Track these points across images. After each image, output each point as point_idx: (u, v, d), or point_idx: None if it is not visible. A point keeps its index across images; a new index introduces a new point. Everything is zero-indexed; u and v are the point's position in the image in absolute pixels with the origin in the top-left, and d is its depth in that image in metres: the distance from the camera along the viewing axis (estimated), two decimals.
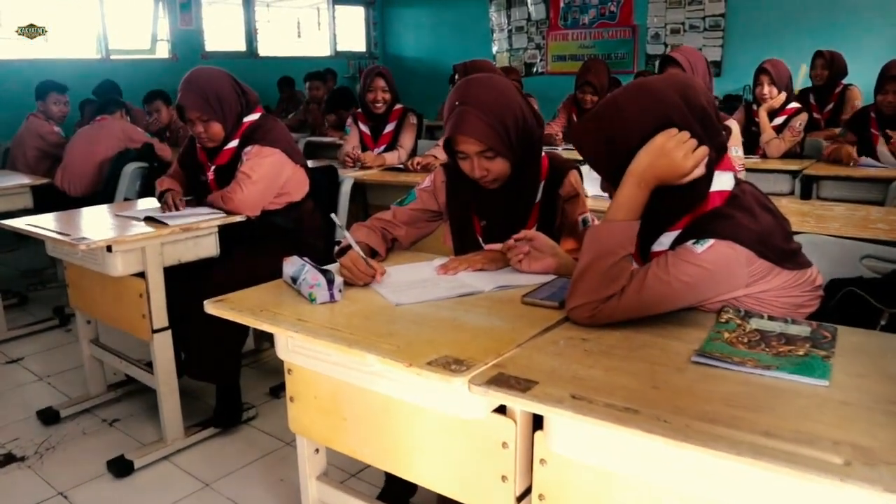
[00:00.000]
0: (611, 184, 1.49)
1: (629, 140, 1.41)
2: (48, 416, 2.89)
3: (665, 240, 1.47)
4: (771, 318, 1.41)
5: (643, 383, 1.12)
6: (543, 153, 1.89)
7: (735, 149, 2.96)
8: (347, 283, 1.66)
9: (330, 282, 1.54)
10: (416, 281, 1.69)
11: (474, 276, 1.72)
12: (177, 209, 2.68)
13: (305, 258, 1.68)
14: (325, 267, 1.68)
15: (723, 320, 1.39)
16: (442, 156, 3.44)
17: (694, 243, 1.38)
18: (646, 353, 1.25)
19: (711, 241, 1.38)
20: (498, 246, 1.81)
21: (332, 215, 1.76)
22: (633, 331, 1.36)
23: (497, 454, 1.26)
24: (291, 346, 1.57)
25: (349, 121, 4.28)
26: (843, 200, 3.46)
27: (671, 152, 1.37)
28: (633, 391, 1.09)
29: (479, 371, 1.17)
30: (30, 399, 3.10)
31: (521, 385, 1.11)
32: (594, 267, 1.37)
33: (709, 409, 1.03)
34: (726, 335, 1.32)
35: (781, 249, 1.47)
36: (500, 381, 1.13)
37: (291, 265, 1.67)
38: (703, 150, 1.39)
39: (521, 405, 1.10)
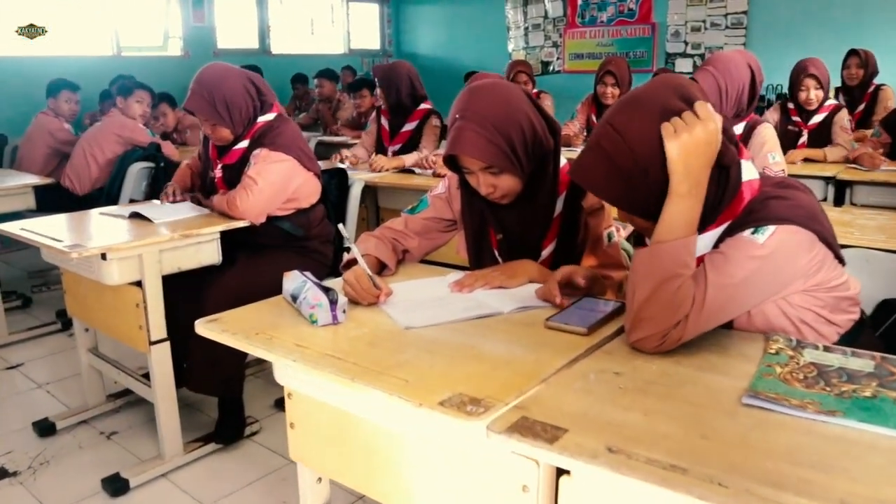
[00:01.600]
0: (642, 217, 1.32)
1: (645, 163, 1.24)
2: (44, 428, 2.77)
3: (704, 242, 1.31)
4: (827, 348, 1.25)
5: (689, 431, 0.97)
6: (565, 161, 1.72)
7: (772, 155, 2.75)
8: (352, 302, 1.51)
9: (333, 302, 1.39)
10: (427, 299, 1.54)
11: (492, 295, 1.56)
12: (174, 200, 2.61)
13: (307, 273, 1.54)
14: (329, 284, 1.54)
15: (772, 351, 1.24)
16: None
17: (753, 233, 1.25)
18: (689, 392, 1.10)
19: (773, 228, 1.25)
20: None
21: (340, 226, 1.60)
22: (673, 362, 1.20)
23: (516, 499, 1.11)
24: (291, 371, 1.43)
25: (372, 115, 4.13)
26: (878, 207, 3.30)
27: (692, 132, 1.20)
28: (678, 442, 0.94)
29: (498, 414, 1.02)
30: (27, 408, 2.98)
31: (548, 433, 0.95)
32: (659, 295, 1.21)
33: (770, 468, 0.87)
34: (778, 370, 1.16)
35: (831, 232, 1.34)
36: (523, 427, 0.98)
37: (292, 281, 1.52)
38: (702, 105, 1.23)
39: (549, 458, 0.94)
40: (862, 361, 1.20)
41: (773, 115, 4.07)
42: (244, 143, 2.61)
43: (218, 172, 2.66)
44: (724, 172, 1.28)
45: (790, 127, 3.94)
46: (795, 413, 1.02)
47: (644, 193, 1.26)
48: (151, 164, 4.09)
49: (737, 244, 1.26)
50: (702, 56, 7.50)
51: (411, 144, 3.91)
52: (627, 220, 1.39)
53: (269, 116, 2.65)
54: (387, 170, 3.69)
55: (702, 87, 2.59)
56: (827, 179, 3.53)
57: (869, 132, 4.20)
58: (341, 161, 3.86)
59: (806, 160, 3.75)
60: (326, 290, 1.43)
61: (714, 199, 1.28)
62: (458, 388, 1.10)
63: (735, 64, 2.68)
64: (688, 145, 1.20)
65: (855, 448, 0.93)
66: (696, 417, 1.01)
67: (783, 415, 1.02)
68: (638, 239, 1.37)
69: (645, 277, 1.23)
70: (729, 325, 1.34)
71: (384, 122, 4.01)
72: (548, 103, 5.33)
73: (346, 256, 1.72)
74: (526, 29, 8.83)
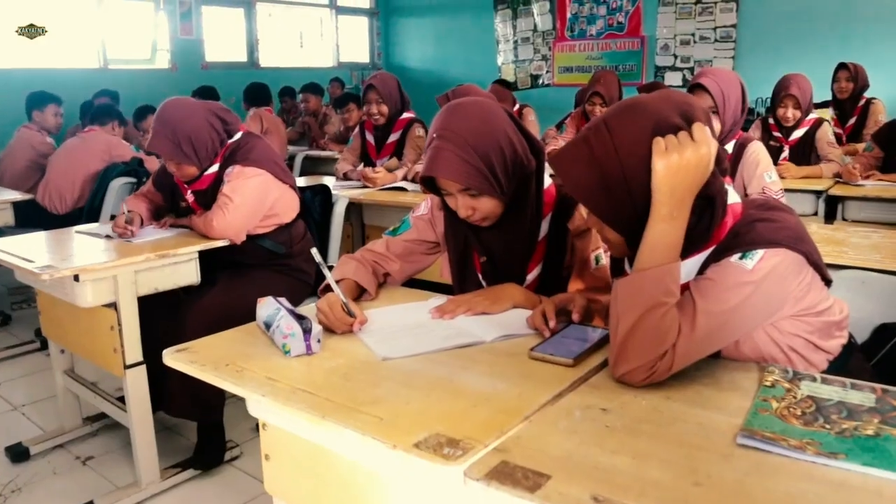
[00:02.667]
0: (613, 228, 1.26)
1: (629, 172, 1.18)
2: (17, 453, 2.68)
3: (687, 268, 1.25)
4: (825, 379, 1.19)
5: (681, 477, 0.90)
6: (551, 182, 1.66)
7: (768, 174, 2.69)
8: (328, 330, 1.45)
9: (307, 331, 1.32)
10: (407, 326, 1.48)
11: (475, 322, 1.49)
12: (131, 235, 2.48)
13: (281, 300, 1.47)
14: (305, 309, 1.47)
15: (768, 383, 1.17)
16: None
17: (741, 258, 1.20)
18: (681, 431, 1.03)
19: (761, 252, 1.20)
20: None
21: (314, 250, 1.53)
22: (663, 397, 1.14)
23: None
24: (263, 403, 1.35)
25: (355, 131, 4.06)
26: (870, 222, 3.26)
27: (683, 154, 1.14)
28: (669, 490, 0.87)
29: (477, 457, 0.95)
30: (1, 432, 2.89)
31: (530, 481, 0.89)
32: (643, 325, 1.14)
33: None
34: (775, 404, 1.10)
35: (817, 252, 1.30)
36: (503, 474, 0.91)
37: (265, 308, 1.45)
38: (700, 127, 1.17)
39: None
40: (862, 395, 1.14)
41: (755, 131, 4.04)
42: (214, 168, 2.54)
43: (190, 197, 2.59)
44: (710, 203, 1.23)
45: (771, 142, 3.91)
46: (794, 455, 0.95)
47: (621, 203, 1.20)
48: (133, 180, 4.01)
49: (725, 270, 1.21)
50: (691, 70, 7.49)
51: (398, 155, 3.85)
52: (597, 230, 1.33)
53: (237, 136, 2.59)
54: (382, 185, 3.60)
55: (707, 91, 2.58)
56: (818, 194, 3.49)
57: (860, 146, 4.17)
58: (346, 177, 3.78)
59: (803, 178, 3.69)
60: (301, 319, 1.36)
61: (699, 230, 1.23)
62: (436, 427, 1.04)
63: (730, 75, 2.67)
64: (676, 166, 1.15)
65: (860, 495, 0.87)
66: (689, 460, 0.95)
67: (781, 456, 0.96)
68: (616, 268, 1.31)
69: (627, 307, 1.16)
70: (717, 355, 1.28)
71: (369, 136, 3.94)
72: (531, 118, 5.28)
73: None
74: (515, 42, 8.81)
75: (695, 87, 2.64)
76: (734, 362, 1.28)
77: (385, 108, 3.78)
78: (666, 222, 1.16)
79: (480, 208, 1.55)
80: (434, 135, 1.52)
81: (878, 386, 1.16)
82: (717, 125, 2.60)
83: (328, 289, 1.57)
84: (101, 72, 7.13)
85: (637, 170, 1.17)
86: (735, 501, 0.85)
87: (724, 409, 1.10)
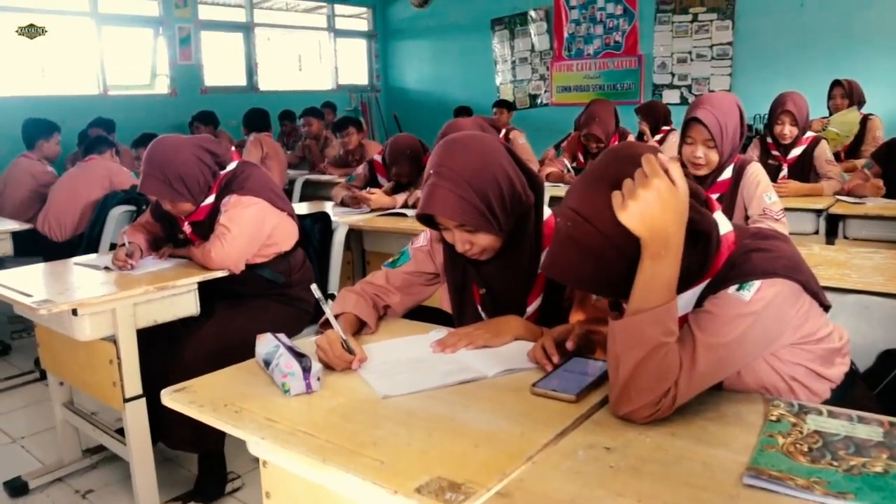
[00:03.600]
0: (617, 296, 1.25)
1: (616, 240, 1.16)
2: (16, 488, 2.65)
3: (684, 301, 1.24)
4: (831, 412, 1.17)
5: None
6: (551, 213, 1.65)
7: (768, 195, 2.67)
8: (327, 367, 1.43)
9: (306, 370, 1.31)
10: (407, 361, 1.46)
11: (476, 356, 1.48)
12: (131, 268, 2.47)
13: (280, 336, 1.46)
14: (305, 344, 1.46)
15: (773, 418, 1.16)
16: None
17: (738, 289, 1.19)
18: (686, 470, 1.02)
19: (758, 283, 1.19)
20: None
21: (313, 287, 1.53)
22: (668, 434, 1.12)
23: None
24: (261, 443, 1.34)
25: (360, 168, 4.01)
26: (872, 240, 3.25)
27: (639, 196, 1.11)
28: None
29: (480, 502, 0.94)
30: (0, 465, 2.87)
31: None
32: (645, 366, 1.13)
33: None
34: (781, 440, 1.09)
35: (814, 280, 1.30)
36: None
37: (264, 345, 1.44)
38: (649, 159, 1.14)
39: None
40: (869, 428, 1.12)
41: (753, 151, 4.04)
42: (210, 199, 2.54)
43: (187, 228, 2.58)
44: (702, 238, 1.22)
45: (770, 161, 3.90)
46: (802, 496, 0.94)
47: (625, 271, 1.18)
48: (133, 208, 4.01)
49: (723, 302, 1.20)
50: (688, 87, 7.52)
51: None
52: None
53: (231, 166, 2.59)
54: (377, 206, 3.59)
55: (703, 124, 2.56)
56: (819, 212, 3.48)
57: (859, 162, 4.17)
58: (342, 203, 3.77)
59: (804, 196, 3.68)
60: (300, 357, 1.34)
61: (694, 264, 1.22)
62: (437, 470, 1.02)
63: (728, 104, 2.62)
64: (639, 210, 1.11)
65: None
66: (695, 502, 0.93)
67: (789, 497, 0.94)
68: (614, 303, 1.30)
69: (627, 350, 1.15)
70: (719, 386, 1.27)
71: (380, 178, 3.85)
72: (520, 141, 5.27)
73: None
74: (513, 62, 8.85)
75: (691, 121, 2.62)
76: (739, 395, 1.27)
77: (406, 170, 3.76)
78: (655, 260, 1.14)
79: (478, 243, 1.55)
80: (431, 171, 1.52)
81: (885, 419, 1.15)
82: (714, 156, 2.59)
83: (328, 323, 1.56)
84: (100, 98, 7.17)
85: (621, 233, 1.15)
86: None
87: (730, 446, 1.08)
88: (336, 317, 1.54)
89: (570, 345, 1.42)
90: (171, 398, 1.35)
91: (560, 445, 1.10)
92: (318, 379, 1.34)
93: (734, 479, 0.99)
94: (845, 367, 1.37)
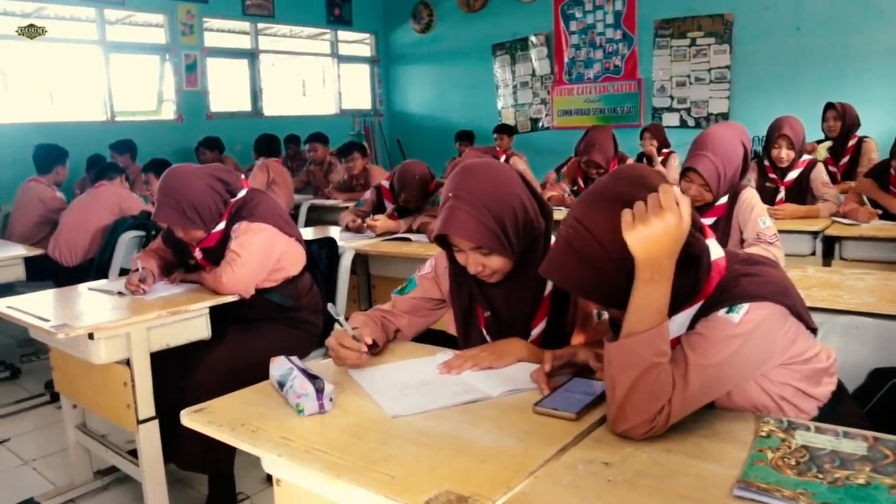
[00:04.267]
0: (615, 307, 1.32)
1: (617, 254, 1.23)
2: None
3: (677, 323, 1.31)
4: (818, 428, 1.23)
5: None
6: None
7: (762, 220, 2.74)
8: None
9: (319, 391, 1.38)
10: (415, 383, 1.53)
11: (481, 377, 1.55)
12: (143, 293, 2.54)
13: (293, 358, 1.52)
14: (318, 366, 1.52)
15: (763, 433, 1.22)
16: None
17: (728, 312, 1.26)
18: (680, 483, 1.08)
19: (746, 306, 1.26)
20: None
21: (330, 305, 1.61)
22: (664, 449, 1.18)
23: None
24: (278, 462, 1.40)
25: (368, 194, 4.09)
26: (867, 261, 3.32)
27: (649, 223, 1.19)
28: None
29: None
30: (12, 487, 2.91)
31: None
32: (640, 386, 1.20)
33: None
34: (770, 455, 1.15)
35: (802, 304, 1.36)
36: None
37: (278, 368, 1.51)
38: (666, 191, 1.21)
39: None
40: (854, 443, 1.18)
41: (751, 174, 4.12)
42: (221, 226, 2.62)
43: (199, 255, 2.66)
44: (694, 261, 1.29)
45: (767, 184, 3.99)
46: None
47: (622, 283, 1.25)
48: (142, 233, 4.09)
49: (714, 325, 1.27)
50: (688, 110, 7.63)
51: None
52: (598, 309, 1.39)
53: (241, 193, 2.68)
54: (383, 231, 3.67)
55: (698, 170, 2.65)
56: (815, 234, 3.55)
57: (854, 184, 4.24)
58: (347, 229, 3.85)
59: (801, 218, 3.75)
60: (313, 379, 1.41)
61: (686, 287, 1.29)
62: (445, 484, 1.08)
63: (732, 146, 2.68)
64: (645, 235, 1.19)
65: None
66: None
67: None
68: (614, 324, 1.37)
69: (622, 370, 1.22)
70: (711, 405, 1.33)
71: (387, 204, 3.92)
72: (521, 166, 5.37)
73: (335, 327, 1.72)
74: (514, 87, 8.97)
75: (687, 170, 2.74)
76: (731, 412, 1.33)
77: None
78: (649, 285, 1.22)
79: (490, 265, 1.63)
80: (450, 195, 1.60)
81: (869, 434, 1.21)
82: (709, 196, 2.73)
83: None
84: (107, 124, 7.28)
85: (623, 248, 1.22)
86: None
87: (722, 461, 1.14)
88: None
89: (546, 367, 1.49)
90: (191, 419, 1.42)
91: (561, 461, 1.17)
92: (331, 399, 1.41)
93: (725, 491, 1.05)
94: (832, 385, 1.43)
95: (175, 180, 2.54)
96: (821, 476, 1.08)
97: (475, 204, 1.57)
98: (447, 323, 1.89)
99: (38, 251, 4.02)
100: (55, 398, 3.82)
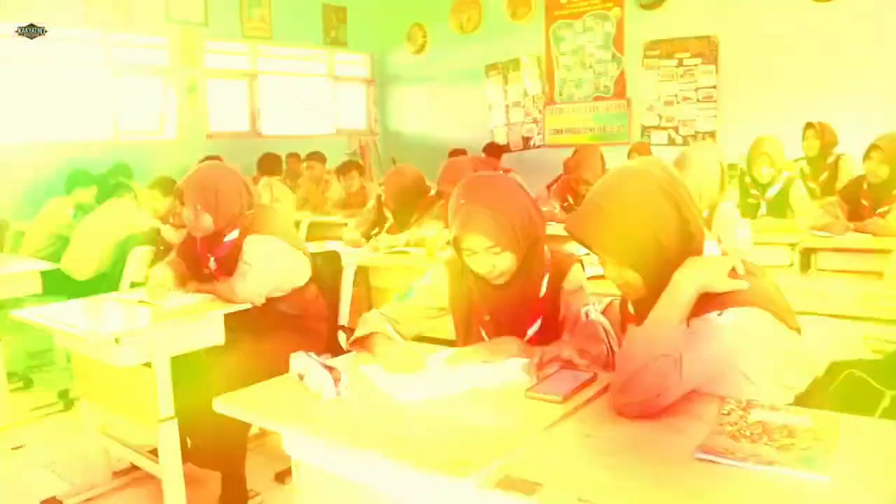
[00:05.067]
0: (639, 271, 1.53)
1: (656, 232, 1.48)
2: None
3: None
4: (773, 407, 1.42)
5: (648, 483, 1.14)
6: (546, 247, 1.93)
7: (740, 233, 2.96)
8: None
9: (336, 380, 1.57)
10: (419, 374, 1.72)
11: (479, 369, 1.74)
12: (163, 298, 2.71)
13: (311, 353, 1.71)
14: (332, 362, 1.71)
15: (724, 412, 1.41)
16: (433, 234, 3.50)
17: (718, 315, 1.45)
18: (650, 451, 1.27)
19: (735, 310, 1.45)
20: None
21: (341, 334, 1.82)
22: (637, 426, 1.37)
23: None
24: (298, 442, 1.58)
25: (371, 204, 4.29)
26: (841, 270, 3.52)
27: (717, 271, 1.46)
28: (639, 492, 1.11)
29: (485, 473, 1.19)
30: (33, 488, 3.07)
31: (527, 488, 1.12)
32: (650, 369, 1.39)
33: None
34: (729, 428, 1.34)
35: (787, 308, 1.55)
36: (506, 483, 1.15)
37: (299, 361, 1.69)
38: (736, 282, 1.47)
39: None
40: (802, 418, 1.37)
41: (734, 191, 4.34)
42: (234, 235, 2.81)
43: (213, 265, 2.86)
44: None
45: (749, 200, 4.22)
46: (739, 464, 1.19)
47: (640, 247, 1.48)
48: (152, 248, 4.26)
49: (706, 325, 1.46)
50: (675, 128, 7.87)
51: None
52: (614, 277, 1.58)
53: (255, 209, 2.89)
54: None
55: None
56: (793, 246, 3.75)
57: (833, 199, 4.45)
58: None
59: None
60: (330, 369, 1.60)
61: None
62: (451, 452, 1.27)
63: (709, 168, 2.94)
64: (694, 281, 1.45)
65: (786, 492, 1.11)
66: (655, 472, 1.18)
67: (730, 467, 1.19)
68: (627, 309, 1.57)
69: (640, 350, 1.41)
70: None
71: (388, 214, 4.13)
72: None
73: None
74: (507, 106, 9.22)
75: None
76: (700, 395, 1.51)
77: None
78: (689, 290, 1.46)
79: (500, 265, 1.82)
80: (461, 200, 1.79)
81: (815, 411, 1.40)
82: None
83: (357, 343, 1.87)
84: (113, 143, 7.49)
85: (648, 218, 1.47)
86: (690, 499, 1.08)
87: (688, 433, 1.33)
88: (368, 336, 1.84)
89: (536, 361, 1.69)
90: (223, 405, 1.60)
91: (549, 433, 1.36)
92: (346, 387, 1.59)
93: (688, 455, 1.24)
94: (809, 377, 1.61)
95: (217, 167, 2.81)
96: (770, 443, 1.27)
97: (490, 204, 1.77)
98: (446, 331, 2.08)
99: (51, 265, 4.19)
100: (68, 407, 3.99)
